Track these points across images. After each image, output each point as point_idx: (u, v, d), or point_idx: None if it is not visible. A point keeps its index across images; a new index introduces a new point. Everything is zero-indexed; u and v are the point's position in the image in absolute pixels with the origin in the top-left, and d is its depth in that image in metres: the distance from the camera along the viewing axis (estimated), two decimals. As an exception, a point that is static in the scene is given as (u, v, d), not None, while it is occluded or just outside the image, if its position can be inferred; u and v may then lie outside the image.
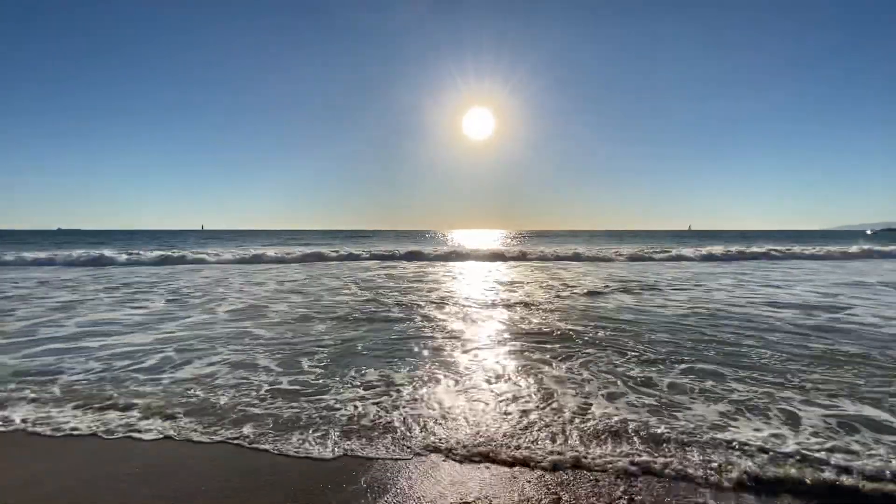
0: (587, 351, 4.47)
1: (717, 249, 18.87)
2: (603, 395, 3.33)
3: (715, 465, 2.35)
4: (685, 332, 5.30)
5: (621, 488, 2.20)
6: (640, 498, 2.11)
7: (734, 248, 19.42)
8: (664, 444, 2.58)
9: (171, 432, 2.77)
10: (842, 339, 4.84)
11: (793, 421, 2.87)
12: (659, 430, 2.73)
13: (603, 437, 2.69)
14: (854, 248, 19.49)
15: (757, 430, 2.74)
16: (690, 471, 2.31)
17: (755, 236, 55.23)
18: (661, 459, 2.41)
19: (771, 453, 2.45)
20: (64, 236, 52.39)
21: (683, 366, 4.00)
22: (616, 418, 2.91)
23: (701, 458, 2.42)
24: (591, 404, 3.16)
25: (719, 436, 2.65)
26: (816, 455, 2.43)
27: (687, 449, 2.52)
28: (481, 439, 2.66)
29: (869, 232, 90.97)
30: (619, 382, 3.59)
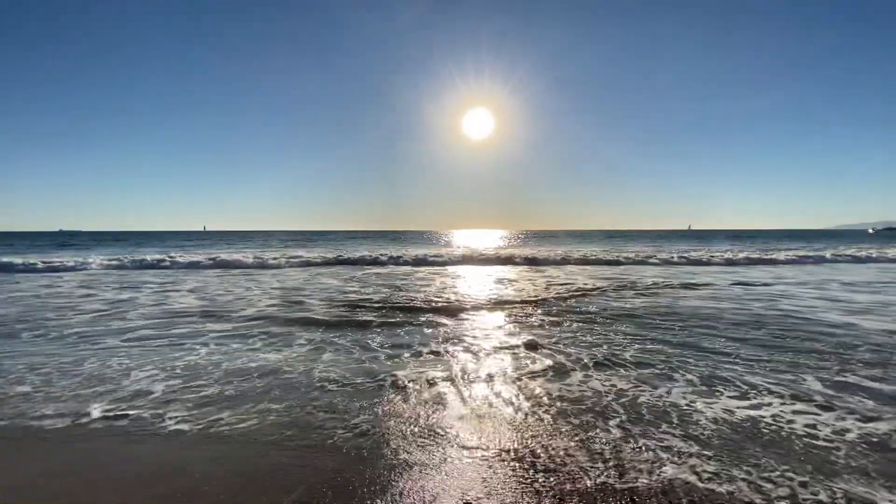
0: (594, 340, 4.66)
1: (708, 254, 18.81)
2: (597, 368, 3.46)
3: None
4: (654, 322, 5.97)
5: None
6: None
7: (725, 249, 19.25)
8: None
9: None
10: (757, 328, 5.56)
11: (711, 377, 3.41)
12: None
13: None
14: (852, 251, 19.47)
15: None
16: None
17: (755, 236, 55.07)
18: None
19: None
20: (65, 237, 52.47)
21: (642, 345, 4.38)
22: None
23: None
24: (591, 376, 3.79)
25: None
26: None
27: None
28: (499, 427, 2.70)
29: (870, 231, 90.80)
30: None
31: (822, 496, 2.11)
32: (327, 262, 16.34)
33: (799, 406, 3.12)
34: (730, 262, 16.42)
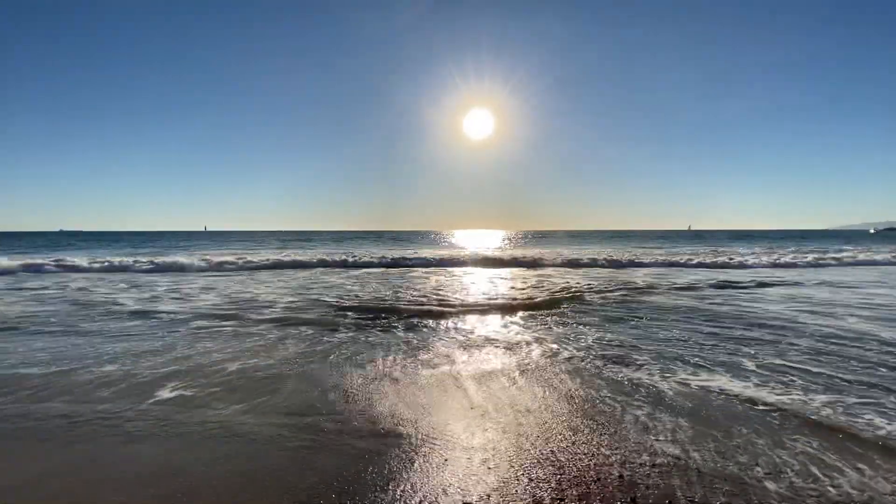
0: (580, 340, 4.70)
1: (699, 256, 18.72)
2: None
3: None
4: (625, 316, 5.95)
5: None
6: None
7: (721, 251, 19.14)
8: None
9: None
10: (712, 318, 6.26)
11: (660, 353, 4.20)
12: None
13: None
14: (850, 252, 19.39)
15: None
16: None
17: (756, 236, 54.95)
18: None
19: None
20: (66, 237, 52.48)
21: (632, 340, 4.44)
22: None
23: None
24: (584, 369, 3.72)
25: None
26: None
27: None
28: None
29: (872, 231, 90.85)
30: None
31: (753, 441, 2.69)
32: (328, 264, 16.34)
33: (737, 382, 3.71)
34: (722, 265, 16.30)
